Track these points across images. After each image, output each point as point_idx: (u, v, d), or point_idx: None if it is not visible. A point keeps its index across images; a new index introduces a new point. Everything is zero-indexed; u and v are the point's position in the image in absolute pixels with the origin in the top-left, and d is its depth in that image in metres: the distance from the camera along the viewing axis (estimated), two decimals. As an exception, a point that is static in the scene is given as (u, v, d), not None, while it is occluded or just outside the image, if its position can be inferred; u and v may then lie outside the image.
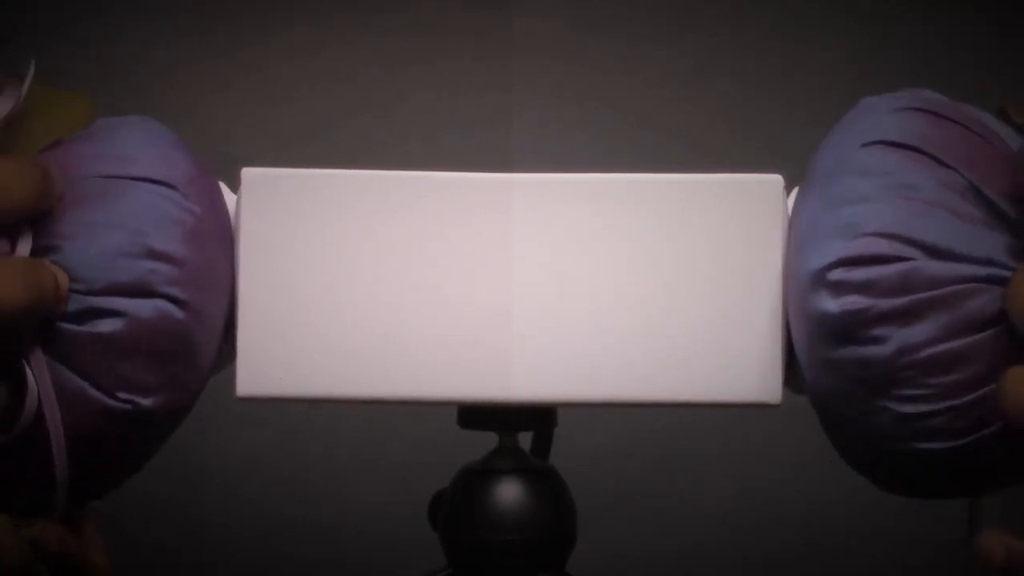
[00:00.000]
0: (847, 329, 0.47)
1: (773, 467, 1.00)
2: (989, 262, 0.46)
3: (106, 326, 0.46)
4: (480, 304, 0.52)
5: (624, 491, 1.01)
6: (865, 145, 0.48)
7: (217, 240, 0.51)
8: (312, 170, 0.52)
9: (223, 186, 0.53)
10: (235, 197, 0.52)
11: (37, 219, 0.46)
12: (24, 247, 0.46)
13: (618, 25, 1.02)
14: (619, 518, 0.99)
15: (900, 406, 0.46)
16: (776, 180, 0.52)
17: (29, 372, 0.45)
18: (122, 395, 0.47)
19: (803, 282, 0.48)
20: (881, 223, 0.46)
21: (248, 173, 0.52)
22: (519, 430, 0.58)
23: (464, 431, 0.56)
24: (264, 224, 0.52)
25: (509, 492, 0.57)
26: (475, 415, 0.56)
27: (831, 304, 0.47)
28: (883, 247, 0.46)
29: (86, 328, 0.46)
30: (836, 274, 0.47)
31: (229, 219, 0.52)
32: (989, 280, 0.46)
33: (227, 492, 1.01)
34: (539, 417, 0.58)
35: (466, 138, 1.00)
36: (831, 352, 0.47)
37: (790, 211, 0.52)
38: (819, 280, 0.47)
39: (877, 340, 0.46)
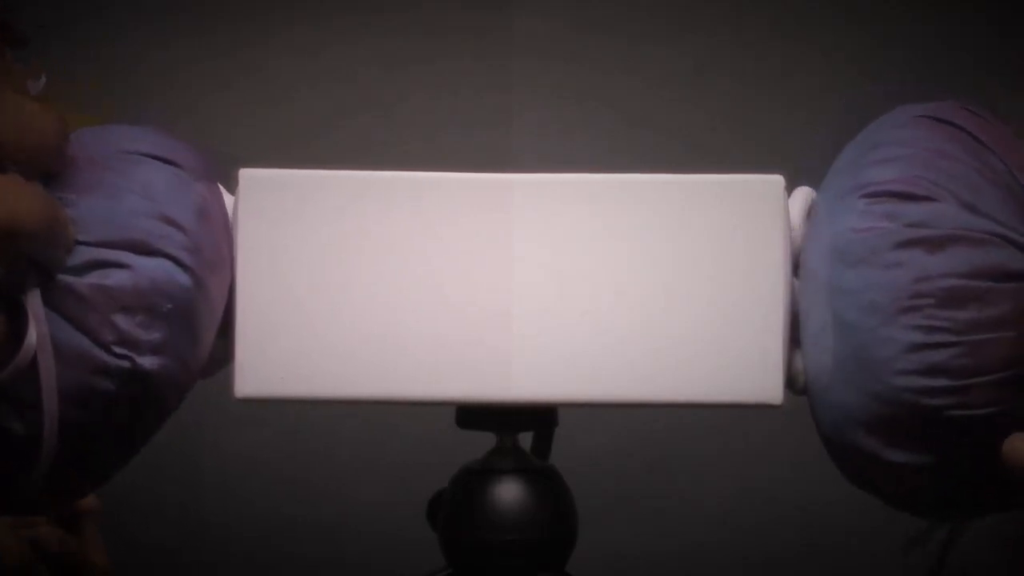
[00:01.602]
0: (869, 251, 0.47)
1: (773, 467, 1.00)
2: (1013, 228, 0.47)
3: (111, 278, 0.46)
4: (480, 304, 0.52)
5: (624, 491, 1.01)
6: (912, 117, 0.50)
7: (221, 226, 0.51)
8: (310, 171, 0.52)
9: (221, 188, 0.53)
10: (233, 198, 0.52)
11: (50, 174, 0.46)
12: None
13: (618, 25, 1.02)
14: (619, 518, 0.99)
15: (909, 335, 0.47)
16: (777, 180, 0.52)
17: (30, 313, 0.45)
18: (119, 350, 0.46)
19: (831, 206, 0.49)
20: (918, 169, 0.48)
21: (246, 174, 0.52)
22: (518, 430, 0.58)
23: (463, 431, 0.56)
24: (262, 225, 0.52)
25: (509, 492, 0.57)
26: (473, 415, 0.56)
27: (857, 225, 0.47)
28: (916, 187, 0.47)
29: (89, 279, 0.46)
30: (865, 201, 0.48)
31: (228, 215, 0.52)
32: (1010, 241, 0.46)
33: (227, 492, 1.01)
34: (539, 417, 0.58)
35: (466, 138, 1.00)
36: (846, 278, 0.48)
37: (791, 211, 0.52)
38: (848, 203, 0.48)
39: (896, 265, 0.47)
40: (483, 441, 0.58)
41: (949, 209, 0.47)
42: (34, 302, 0.45)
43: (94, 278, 0.46)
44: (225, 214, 0.52)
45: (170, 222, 0.48)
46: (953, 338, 0.46)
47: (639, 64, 1.02)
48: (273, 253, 0.52)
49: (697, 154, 0.98)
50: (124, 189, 0.48)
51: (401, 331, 0.51)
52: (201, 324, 0.49)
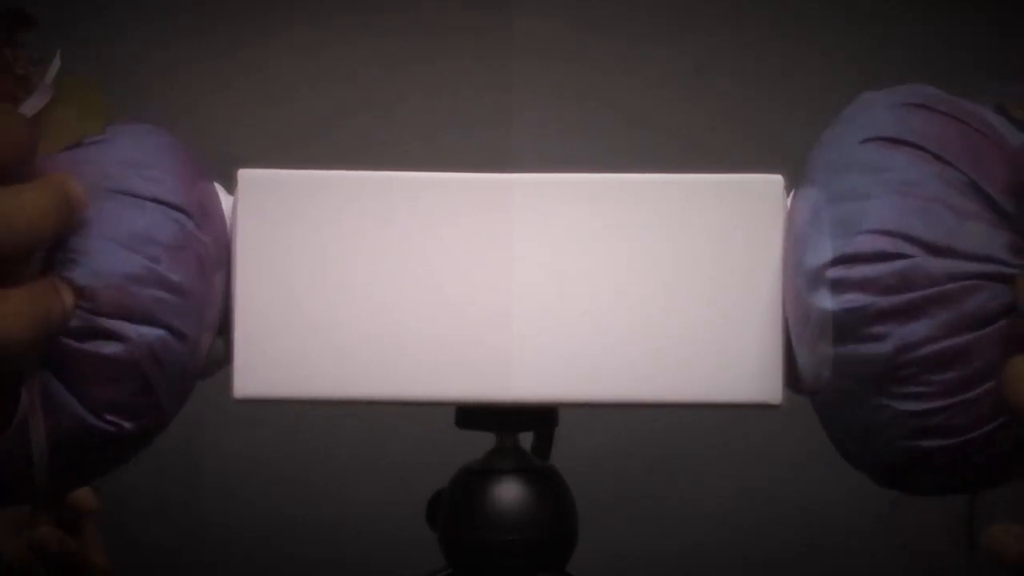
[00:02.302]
0: (847, 327, 0.47)
1: (773, 467, 1.00)
2: (989, 259, 0.46)
3: (107, 348, 0.46)
4: (480, 304, 0.52)
5: (624, 491, 1.01)
6: (864, 142, 0.48)
7: (220, 266, 0.51)
8: (309, 171, 0.52)
9: (220, 188, 0.53)
10: (232, 198, 0.52)
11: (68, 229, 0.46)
12: (36, 261, 0.46)
13: (618, 25, 1.02)
14: (619, 518, 0.99)
15: (900, 403, 0.46)
16: (776, 180, 0.52)
17: (24, 390, 0.46)
18: (109, 417, 0.47)
19: (801, 280, 0.48)
20: (880, 220, 0.46)
21: (245, 175, 0.52)
22: (517, 430, 0.58)
23: (463, 431, 0.56)
24: (261, 225, 0.52)
25: (509, 492, 0.56)
26: (473, 415, 0.56)
27: (830, 302, 0.47)
28: (882, 244, 0.46)
29: (86, 347, 0.46)
30: (835, 272, 0.47)
31: (228, 237, 0.52)
32: (989, 277, 0.46)
33: (227, 492, 1.01)
34: (539, 417, 0.58)
35: (466, 138, 1.00)
36: (831, 350, 0.47)
37: (791, 211, 0.52)
38: (818, 278, 0.47)
39: (877, 337, 0.46)
40: (483, 441, 0.58)
41: (921, 263, 0.46)
42: (33, 370, 0.46)
43: (92, 346, 0.46)
44: (226, 235, 0.52)
45: (170, 287, 0.48)
46: (947, 400, 0.46)
47: (639, 64, 1.02)
48: (272, 253, 0.52)
49: (697, 154, 0.98)
50: (126, 248, 0.47)
51: (401, 331, 0.51)
52: (188, 379, 0.50)
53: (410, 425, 0.95)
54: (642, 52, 1.02)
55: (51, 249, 0.46)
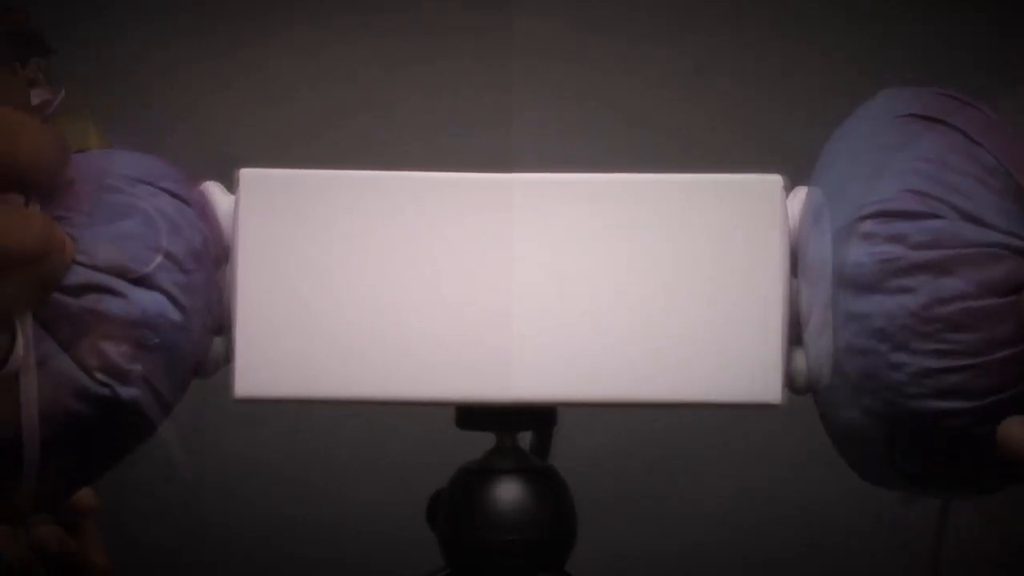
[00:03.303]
0: (877, 278, 0.47)
1: (773, 467, 1.00)
2: (1015, 234, 0.46)
3: (104, 304, 0.46)
4: (480, 304, 0.52)
5: (624, 491, 1.01)
6: (898, 117, 0.49)
7: (216, 264, 0.51)
8: (310, 171, 0.52)
9: (220, 187, 0.53)
10: (233, 198, 0.52)
11: (55, 194, 0.46)
12: (35, 208, 0.45)
13: (618, 25, 1.02)
14: (619, 518, 0.99)
15: (921, 360, 0.47)
16: (776, 180, 0.52)
17: (19, 331, 0.45)
18: (101, 377, 0.46)
19: (833, 236, 0.49)
20: (915, 183, 0.47)
21: (246, 174, 0.52)
22: (517, 430, 0.58)
23: (463, 431, 0.56)
24: (262, 225, 0.52)
25: (508, 492, 0.56)
26: (473, 415, 0.56)
27: (863, 252, 0.47)
28: (917, 203, 0.47)
29: (82, 302, 0.46)
30: (869, 225, 0.47)
31: (227, 237, 0.52)
32: (1015, 250, 0.46)
33: (227, 492, 1.01)
34: (539, 417, 0.58)
35: (466, 138, 1.00)
36: (856, 304, 0.48)
37: (791, 211, 0.52)
38: (851, 231, 0.48)
39: (906, 290, 0.47)
40: (483, 441, 0.58)
41: (952, 226, 0.47)
42: (25, 321, 0.45)
43: (87, 302, 0.46)
44: (222, 241, 0.52)
45: (170, 257, 0.48)
46: (967, 360, 0.46)
47: (639, 64, 1.02)
48: (273, 253, 0.52)
49: (697, 154, 0.98)
50: (128, 216, 0.47)
51: (401, 331, 0.51)
52: (183, 362, 0.49)
53: (410, 425, 0.95)
54: (642, 52, 1.02)
55: (54, 211, 0.46)
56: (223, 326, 0.52)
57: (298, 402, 0.52)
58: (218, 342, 0.52)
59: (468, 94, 1.02)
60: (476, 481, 0.57)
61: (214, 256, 0.51)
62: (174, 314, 0.48)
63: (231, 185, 0.53)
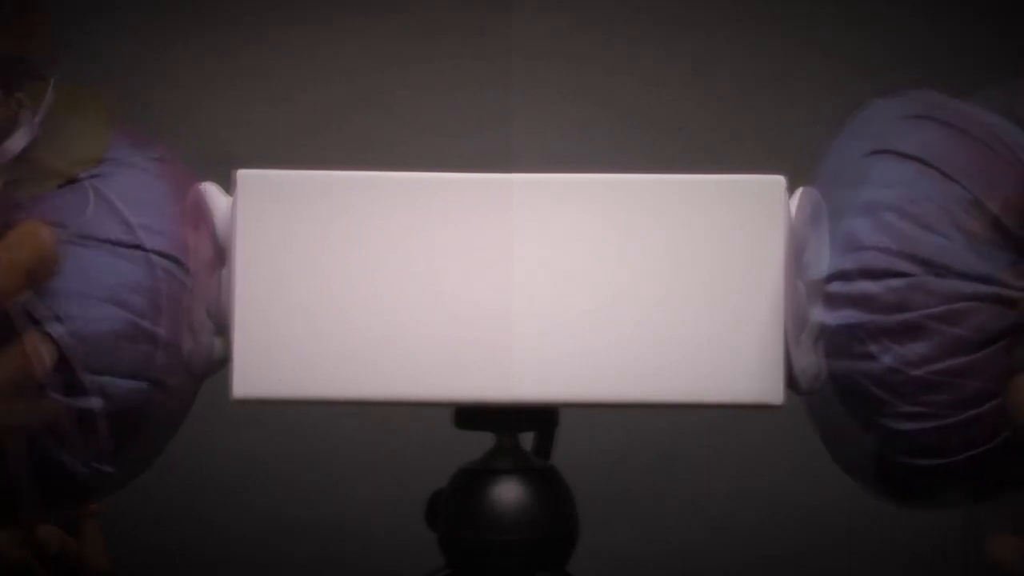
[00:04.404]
0: (842, 343, 0.46)
1: (773, 467, 1.00)
2: (989, 280, 0.45)
3: (92, 403, 0.47)
4: (480, 304, 0.52)
5: (624, 491, 1.01)
6: (870, 154, 0.48)
7: (217, 266, 0.51)
8: (308, 171, 0.52)
9: (218, 188, 0.53)
10: (230, 199, 0.52)
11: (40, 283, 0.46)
12: (18, 312, 0.46)
13: (618, 25, 1.02)
14: (619, 518, 0.99)
15: (894, 423, 0.46)
16: (778, 181, 0.52)
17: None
18: (90, 464, 0.48)
19: (800, 292, 0.48)
20: (881, 237, 0.46)
21: (243, 175, 0.52)
22: (517, 430, 0.58)
23: (463, 431, 0.56)
24: (260, 225, 0.52)
25: (509, 492, 0.56)
26: (473, 415, 0.56)
27: (827, 317, 0.47)
28: (882, 261, 0.46)
29: (70, 400, 0.47)
30: (834, 287, 0.46)
31: (225, 237, 0.52)
32: (989, 298, 0.45)
33: (227, 492, 1.01)
34: (539, 417, 0.58)
35: (466, 138, 1.00)
36: (829, 364, 0.47)
37: (792, 212, 0.52)
38: (816, 291, 0.47)
39: (872, 356, 0.46)
40: (483, 441, 0.58)
41: (919, 283, 0.45)
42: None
43: (74, 400, 0.47)
44: (219, 214, 0.52)
45: (157, 342, 0.48)
46: (939, 422, 0.46)
47: (639, 64, 1.02)
48: (271, 253, 0.52)
49: (697, 154, 0.98)
50: (113, 304, 0.47)
51: (401, 331, 0.51)
52: (167, 426, 0.51)
53: (410, 425, 0.95)
54: (642, 52, 1.02)
55: (37, 306, 0.46)
56: (222, 327, 0.52)
57: (297, 402, 0.52)
58: (218, 342, 0.52)
59: (468, 94, 1.02)
60: (476, 481, 0.57)
61: (213, 260, 0.51)
62: (158, 395, 0.49)
63: (230, 185, 0.53)
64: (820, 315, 0.47)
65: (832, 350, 0.47)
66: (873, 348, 0.46)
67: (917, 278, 0.45)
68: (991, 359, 0.45)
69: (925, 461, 0.46)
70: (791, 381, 0.52)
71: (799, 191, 0.52)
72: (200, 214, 0.50)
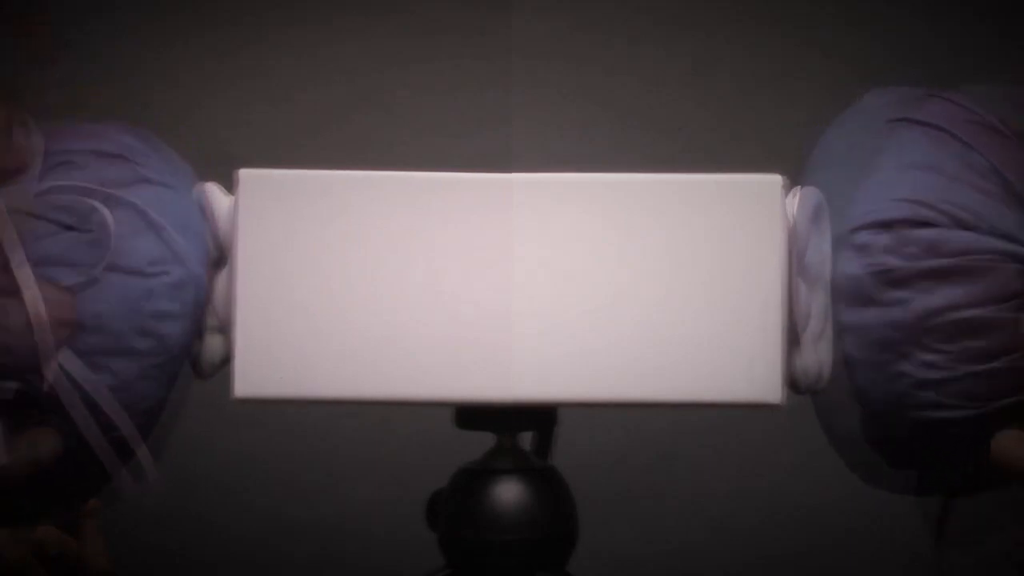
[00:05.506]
0: (872, 290, 0.47)
1: (773, 467, 1.00)
2: (1010, 238, 0.46)
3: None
4: (480, 304, 0.52)
5: (624, 491, 1.01)
6: (890, 121, 0.49)
7: (218, 266, 0.52)
8: (308, 171, 0.52)
9: (219, 188, 0.53)
10: (232, 198, 0.52)
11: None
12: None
13: (618, 25, 1.02)
14: (619, 518, 0.99)
15: (920, 371, 0.47)
16: (776, 180, 0.52)
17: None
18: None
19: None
20: (909, 191, 0.47)
21: (244, 174, 0.52)
22: (517, 430, 0.58)
23: (463, 431, 0.56)
24: (261, 225, 0.52)
25: (508, 492, 0.56)
26: (473, 415, 0.56)
27: (857, 264, 0.47)
28: (910, 212, 0.47)
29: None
30: (863, 236, 0.47)
31: (226, 236, 0.52)
32: (1010, 256, 0.46)
33: (227, 492, 1.01)
34: (539, 417, 0.58)
35: (466, 138, 1.00)
36: (852, 315, 0.48)
37: (790, 211, 0.52)
38: (844, 242, 0.48)
39: (901, 302, 0.46)
40: (482, 441, 0.58)
41: (947, 234, 0.46)
42: None
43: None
44: (220, 213, 0.52)
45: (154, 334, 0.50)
46: (966, 369, 0.46)
47: (639, 64, 1.02)
48: (273, 253, 0.52)
49: (697, 154, 0.98)
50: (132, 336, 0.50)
51: (401, 331, 0.51)
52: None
53: (409, 425, 0.95)
54: (642, 52, 1.02)
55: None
56: (223, 326, 0.52)
57: (297, 402, 0.52)
58: (217, 342, 0.52)
59: (468, 94, 1.02)
60: (476, 481, 0.57)
61: (214, 260, 0.51)
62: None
63: (231, 185, 0.53)
64: (848, 266, 0.47)
65: (860, 299, 0.47)
66: (903, 293, 0.47)
67: (944, 229, 0.47)
68: (1016, 312, 0.46)
69: (950, 413, 0.46)
70: (791, 381, 0.52)
71: (799, 190, 0.52)
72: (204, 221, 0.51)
